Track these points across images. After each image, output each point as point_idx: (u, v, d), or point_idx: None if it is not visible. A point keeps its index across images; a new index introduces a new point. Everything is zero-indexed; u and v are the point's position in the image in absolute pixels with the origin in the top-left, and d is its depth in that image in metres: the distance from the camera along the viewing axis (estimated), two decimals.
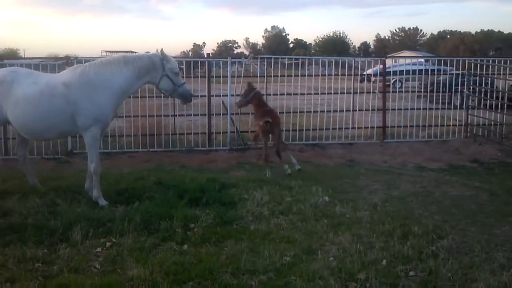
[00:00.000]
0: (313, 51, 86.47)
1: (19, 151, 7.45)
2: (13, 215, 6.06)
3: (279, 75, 12.25)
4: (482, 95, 12.47)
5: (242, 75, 11.66)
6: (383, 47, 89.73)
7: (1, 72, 6.95)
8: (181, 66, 16.90)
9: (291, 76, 12.55)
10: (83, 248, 5.09)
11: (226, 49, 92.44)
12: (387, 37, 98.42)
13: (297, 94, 11.84)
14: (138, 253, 4.99)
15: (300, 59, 15.27)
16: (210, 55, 54.36)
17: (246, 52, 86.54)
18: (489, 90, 12.54)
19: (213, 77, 11.43)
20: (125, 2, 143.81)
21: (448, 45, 79.47)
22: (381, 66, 12.22)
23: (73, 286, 4.23)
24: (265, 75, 11.53)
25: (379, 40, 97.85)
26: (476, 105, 12.72)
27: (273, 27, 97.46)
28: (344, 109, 11.78)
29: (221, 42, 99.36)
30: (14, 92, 6.62)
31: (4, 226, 5.69)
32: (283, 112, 11.27)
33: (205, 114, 11.18)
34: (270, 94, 11.50)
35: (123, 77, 6.74)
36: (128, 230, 5.47)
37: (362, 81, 13.40)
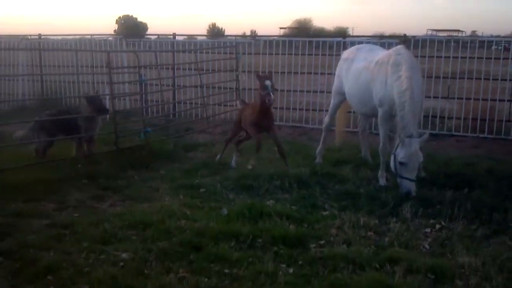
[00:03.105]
0: None
1: (362, 123, 8.06)
2: (347, 183, 6.60)
3: None
4: None
5: None
6: None
7: (350, 49, 7.79)
8: None
9: None
10: (413, 226, 5.21)
11: None
12: None
13: None
14: (468, 241, 4.84)
15: None
16: None
17: None
18: None
19: None
20: None
21: None
22: None
23: (404, 259, 4.37)
24: None
25: None
26: None
27: None
28: None
29: None
30: (351, 67, 7.30)
31: (340, 191, 6.29)
32: None
33: None
34: None
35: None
36: (458, 216, 5.31)
37: None
